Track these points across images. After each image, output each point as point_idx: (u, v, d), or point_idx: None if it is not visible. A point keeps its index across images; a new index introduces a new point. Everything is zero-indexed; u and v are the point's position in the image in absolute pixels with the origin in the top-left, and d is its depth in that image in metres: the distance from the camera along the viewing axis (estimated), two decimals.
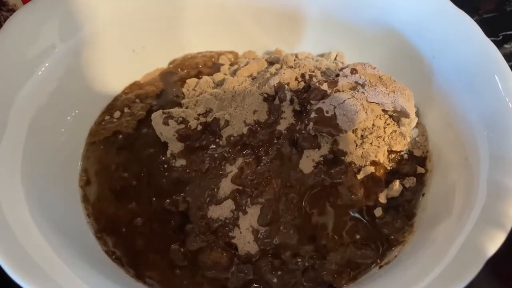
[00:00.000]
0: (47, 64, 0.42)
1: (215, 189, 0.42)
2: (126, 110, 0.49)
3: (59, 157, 0.43)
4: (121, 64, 0.50)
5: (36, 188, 0.38)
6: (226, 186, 0.41)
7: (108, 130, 0.48)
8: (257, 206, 0.40)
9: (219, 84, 0.49)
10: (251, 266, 0.40)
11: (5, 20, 0.42)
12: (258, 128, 0.44)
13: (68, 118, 0.45)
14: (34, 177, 0.38)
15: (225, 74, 0.51)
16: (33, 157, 0.39)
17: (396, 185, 0.41)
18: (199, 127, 0.44)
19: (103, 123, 0.48)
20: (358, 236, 0.40)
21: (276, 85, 0.44)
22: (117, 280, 0.37)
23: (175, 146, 0.45)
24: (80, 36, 0.45)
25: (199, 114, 0.46)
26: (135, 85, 0.52)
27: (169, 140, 0.45)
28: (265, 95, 0.45)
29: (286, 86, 0.44)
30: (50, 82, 0.43)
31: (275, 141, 0.43)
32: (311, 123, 0.40)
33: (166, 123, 0.44)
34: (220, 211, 0.41)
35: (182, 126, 0.45)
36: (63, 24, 0.44)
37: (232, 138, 0.43)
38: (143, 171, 0.45)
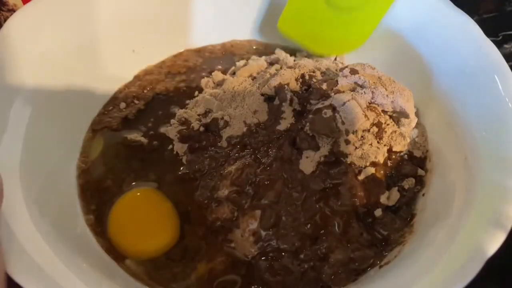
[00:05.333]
0: (47, 64, 0.42)
1: (215, 190, 0.42)
2: (123, 104, 0.50)
3: (58, 156, 0.43)
4: (121, 64, 0.50)
5: (34, 188, 0.38)
6: (225, 186, 0.41)
7: (110, 125, 0.48)
8: (258, 207, 0.40)
9: (219, 84, 0.49)
10: None
11: (5, 20, 0.42)
12: (258, 129, 0.44)
13: (68, 117, 0.45)
14: (32, 176, 0.38)
15: (224, 74, 0.51)
16: (32, 156, 0.39)
17: (393, 193, 0.41)
18: (201, 128, 0.45)
19: (104, 119, 0.48)
20: (358, 237, 0.40)
21: (276, 85, 0.44)
22: (116, 279, 0.37)
23: (178, 146, 0.45)
24: (80, 36, 0.45)
25: (199, 115, 0.46)
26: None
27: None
28: (266, 96, 0.45)
29: (286, 86, 0.44)
30: (50, 82, 0.43)
31: (275, 141, 0.43)
32: (308, 124, 0.41)
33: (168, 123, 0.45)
34: (219, 212, 0.41)
35: (184, 127, 0.45)
36: (63, 24, 0.44)
37: (232, 138, 0.43)
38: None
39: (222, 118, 0.44)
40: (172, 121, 0.46)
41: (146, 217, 0.42)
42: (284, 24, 0.51)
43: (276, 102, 0.44)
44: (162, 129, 0.47)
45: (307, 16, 0.50)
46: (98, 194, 0.43)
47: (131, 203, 0.43)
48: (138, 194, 0.43)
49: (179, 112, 0.46)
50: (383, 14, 0.49)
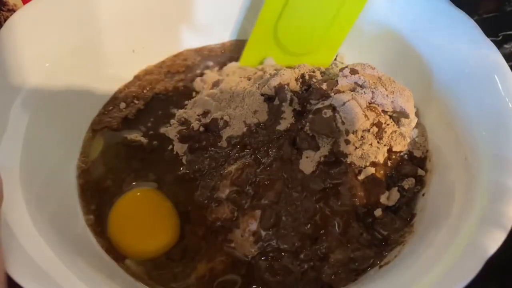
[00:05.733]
0: (47, 64, 0.42)
1: (215, 190, 0.42)
2: (123, 104, 0.50)
3: (58, 156, 0.43)
4: (121, 64, 0.50)
5: (34, 188, 0.38)
6: (225, 186, 0.41)
7: (110, 125, 0.48)
8: (258, 207, 0.40)
9: (215, 84, 0.49)
10: None
11: (5, 20, 0.42)
12: (258, 129, 0.44)
13: (68, 117, 0.45)
14: (32, 176, 0.38)
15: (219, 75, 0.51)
16: (32, 156, 0.39)
17: (393, 193, 0.41)
18: (201, 128, 0.45)
19: (104, 119, 0.48)
20: (358, 237, 0.40)
21: (276, 85, 0.44)
22: (116, 279, 0.37)
23: (178, 146, 0.45)
24: (81, 36, 0.45)
25: (198, 115, 0.46)
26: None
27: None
28: (266, 96, 0.45)
29: (286, 86, 0.44)
30: (50, 83, 0.43)
31: (275, 141, 0.43)
32: (308, 124, 0.41)
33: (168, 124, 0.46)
34: (219, 212, 0.41)
35: (184, 127, 0.45)
36: (63, 24, 0.44)
37: (232, 138, 0.43)
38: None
39: (222, 118, 0.44)
40: (172, 121, 0.46)
41: (146, 217, 0.42)
42: (246, 64, 0.52)
43: (276, 102, 0.44)
44: (162, 129, 0.47)
45: (264, 57, 0.52)
46: (98, 194, 0.43)
47: (131, 203, 0.43)
48: (138, 194, 0.43)
49: (179, 112, 0.47)
50: (338, 46, 0.51)
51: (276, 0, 0.48)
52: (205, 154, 0.44)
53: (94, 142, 0.47)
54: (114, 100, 0.50)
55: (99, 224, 0.42)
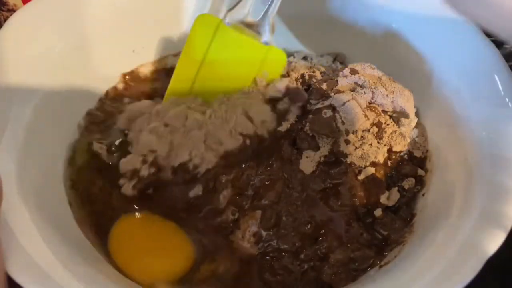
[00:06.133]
0: (47, 64, 0.42)
1: (215, 202, 0.41)
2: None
3: (58, 157, 0.43)
4: (122, 64, 0.50)
5: (33, 188, 0.38)
6: (226, 191, 0.41)
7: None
8: (258, 207, 0.40)
9: (157, 114, 0.42)
10: None
11: (5, 20, 0.42)
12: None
13: (67, 117, 0.45)
14: (31, 176, 0.38)
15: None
16: (31, 157, 0.39)
17: (393, 193, 0.41)
18: (152, 170, 0.40)
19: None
20: (358, 237, 0.40)
21: (282, 88, 0.44)
22: (116, 280, 0.37)
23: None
24: (81, 36, 0.45)
25: (141, 156, 0.40)
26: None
27: None
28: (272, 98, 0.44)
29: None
30: (49, 83, 0.43)
31: (275, 141, 0.43)
32: (308, 124, 0.41)
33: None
34: (222, 218, 0.41)
35: (135, 179, 0.40)
36: (64, 24, 0.44)
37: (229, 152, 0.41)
38: None
39: (191, 160, 0.40)
40: (121, 181, 0.40)
41: (156, 243, 0.40)
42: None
43: (283, 105, 0.43)
44: (121, 181, 0.41)
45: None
46: (88, 199, 0.42)
47: (131, 231, 0.40)
48: (137, 219, 0.40)
49: (122, 166, 0.40)
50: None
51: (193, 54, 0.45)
52: (172, 189, 0.41)
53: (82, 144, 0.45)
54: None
55: (97, 235, 0.40)
